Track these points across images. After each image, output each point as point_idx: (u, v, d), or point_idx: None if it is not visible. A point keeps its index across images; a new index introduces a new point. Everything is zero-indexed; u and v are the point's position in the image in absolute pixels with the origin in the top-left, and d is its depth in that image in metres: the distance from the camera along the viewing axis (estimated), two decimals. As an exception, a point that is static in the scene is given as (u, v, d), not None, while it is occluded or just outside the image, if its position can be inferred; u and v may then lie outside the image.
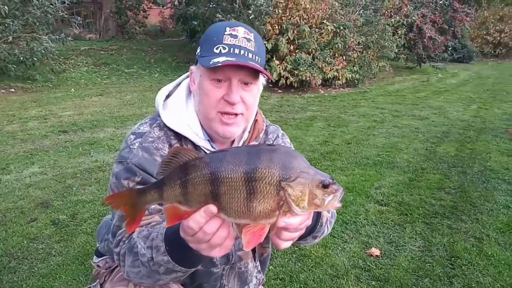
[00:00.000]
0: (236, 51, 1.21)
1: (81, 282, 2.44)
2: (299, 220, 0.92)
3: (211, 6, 10.23)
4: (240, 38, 1.23)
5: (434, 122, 6.80)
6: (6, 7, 7.98)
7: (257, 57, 1.25)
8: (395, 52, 11.99)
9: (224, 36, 1.22)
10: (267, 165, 0.87)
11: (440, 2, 14.78)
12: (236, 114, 1.27)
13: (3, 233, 2.99)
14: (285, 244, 0.98)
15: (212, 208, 0.88)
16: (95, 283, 1.44)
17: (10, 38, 8.58)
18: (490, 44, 21.22)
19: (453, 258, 2.70)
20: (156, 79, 11.17)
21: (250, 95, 1.28)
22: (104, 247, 1.51)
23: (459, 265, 2.63)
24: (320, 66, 9.73)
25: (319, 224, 1.20)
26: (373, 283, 2.44)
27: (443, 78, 13.44)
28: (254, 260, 1.53)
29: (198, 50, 1.29)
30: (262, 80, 1.34)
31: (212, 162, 0.89)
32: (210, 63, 1.17)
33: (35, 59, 9.03)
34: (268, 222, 0.90)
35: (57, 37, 9.23)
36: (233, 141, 1.42)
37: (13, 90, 8.84)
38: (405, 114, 7.50)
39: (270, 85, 9.63)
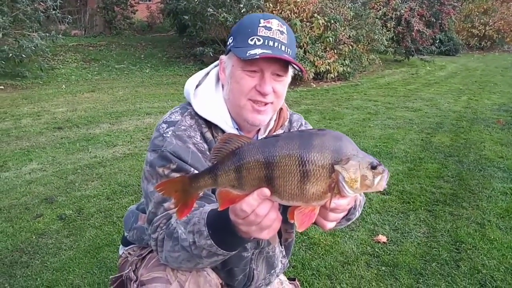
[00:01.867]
0: (271, 43, 1.24)
1: (95, 274, 2.44)
2: (347, 201, 0.96)
3: (201, 0, 10.18)
4: (274, 30, 1.25)
5: (427, 114, 6.92)
6: (-6, 3, 7.86)
7: (289, 50, 1.28)
8: (384, 45, 12.11)
9: (259, 28, 1.25)
10: (320, 149, 0.90)
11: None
12: (266, 103, 1.30)
13: (10, 229, 2.98)
14: (330, 225, 1.03)
15: (266, 191, 0.91)
16: (127, 270, 1.46)
17: (0, 34, 8.43)
18: (475, 37, 21.55)
19: (457, 243, 2.78)
20: (147, 75, 11.10)
21: (281, 86, 1.31)
22: (133, 235, 1.53)
23: (464, 249, 2.71)
24: (312, 60, 9.78)
25: (353, 206, 1.24)
26: (383, 268, 2.51)
27: (432, 70, 13.64)
28: (280, 244, 1.57)
29: (231, 41, 1.31)
30: (291, 71, 1.38)
31: (266, 147, 0.92)
32: (247, 54, 1.20)
33: (23, 55, 8.89)
34: (319, 203, 0.93)
35: (47, 34, 9.10)
36: (259, 130, 1.46)
37: (2, 87, 8.70)
38: (398, 106, 7.61)
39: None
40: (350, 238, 2.86)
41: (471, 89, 9.73)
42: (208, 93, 1.39)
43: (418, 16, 14.52)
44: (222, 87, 1.39)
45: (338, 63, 10.35)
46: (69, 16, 9.80)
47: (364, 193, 1.04)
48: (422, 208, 3.33)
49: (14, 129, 5.73)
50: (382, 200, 3.46)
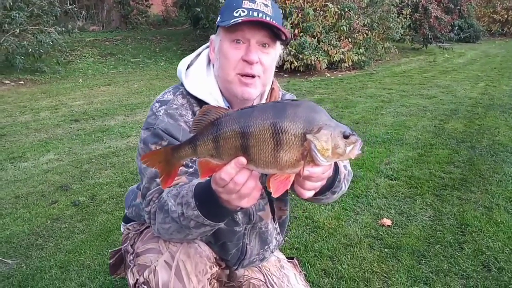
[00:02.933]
0: (255, 14, 1.28)
1: (106, 256, 2.54)
2: (321, 170, 0.99)
3: (214, -8, 10.22)
4: (258, 3, 1.30)
5: (442, 101, 6.82)
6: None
7: (274, 21, 1.31)
8: (400, 34, 11.89)
9: (243, 1, 1.29)
10: (292, 119, 0.93)
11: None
12: (254, 76, 1.33)
13: (27, 214, 3.12)
14: (308, 193, 1.06)
15: (242, 159, 0.96)
16: (125, 244, 1.54)
17: (18, 30, 8.65)
18: (497, 23, 20.90)
19: (463, 226, 2.77)
20: (162, 68, 11.24)
21: (268, 57, 1.35)
22: (132, 212, 1.60)
23: (469, 232, 2.70)
24: (326, 49, 9.70)
25: (338, 179, 1.27)
26: (386, 250, 2.53)
27: (450, 58, 13.34)
28: (274, 221, 1.61)
29: (219, 18, 1.36)
30: (279, 49, 1.41)
31: (242, 117, 0.96)
32: (231, 21, 1.25)
33: (42, 51, 9.12)
34: (293, 171, 0.97)
35: (63, 29, 9.30)
36: (251, 109, 1.50)
37: (22, 82, 8.96)
38: (412, 93, 7.51)
39: (275, 70, 9.67)
40: (354, 222, 2.88)
41: (490, 76, 9.50)
42: (199, 72, 1.44)
43: (436, 2, 14.19)
44: (213, 66, 1.44)
45: (353, 52, 10.24)
46: (84, 12, 9.96)
47: (337, 160, 1.06)
48: (430, 192, 3.31)
49: (33, 122, 5.92)
50: (389, 185, 3.46)
